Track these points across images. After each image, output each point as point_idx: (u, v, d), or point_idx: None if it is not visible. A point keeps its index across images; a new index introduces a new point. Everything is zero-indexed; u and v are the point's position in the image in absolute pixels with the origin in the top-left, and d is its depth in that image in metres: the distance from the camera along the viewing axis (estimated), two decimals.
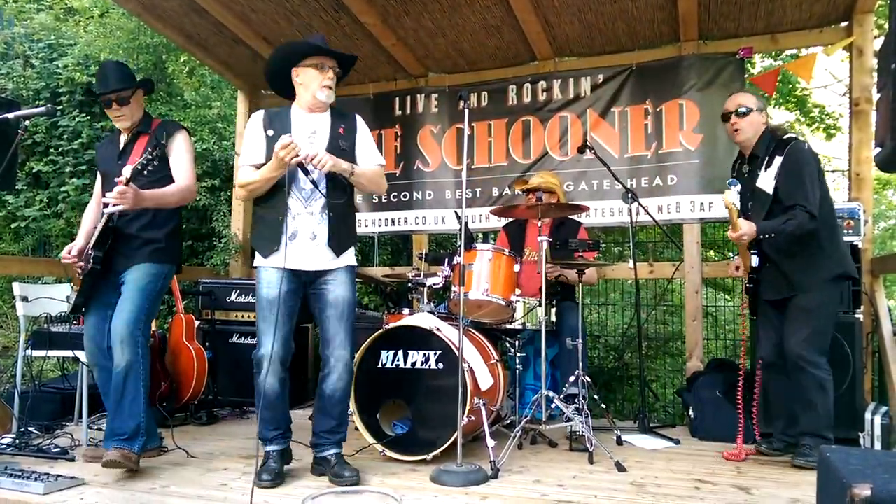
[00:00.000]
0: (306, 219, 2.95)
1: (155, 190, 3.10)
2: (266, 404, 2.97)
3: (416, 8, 4.49)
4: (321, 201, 2.95)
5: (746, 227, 3.12)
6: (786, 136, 3.30)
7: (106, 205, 2.95)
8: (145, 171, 2.91)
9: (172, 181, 3.21)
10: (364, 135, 3.14)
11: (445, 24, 4.69)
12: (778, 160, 3.23)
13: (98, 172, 3.48)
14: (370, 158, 3.12)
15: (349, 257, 3.07)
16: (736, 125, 3.41)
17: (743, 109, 3.38)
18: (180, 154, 3.26)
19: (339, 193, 3.00)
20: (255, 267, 3.04)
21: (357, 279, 3.26)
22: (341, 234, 3.01)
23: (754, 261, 3.34)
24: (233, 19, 4.76)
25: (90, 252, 3.10)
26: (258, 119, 3.05)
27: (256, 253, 3.05)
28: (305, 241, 2.94)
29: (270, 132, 2.98)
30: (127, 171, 2.84)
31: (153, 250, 3.18)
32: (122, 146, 3.32)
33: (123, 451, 2.94)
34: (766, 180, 3.26)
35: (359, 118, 3.18)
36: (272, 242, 2.94)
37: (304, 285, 3.02)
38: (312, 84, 2.99)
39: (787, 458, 3.27)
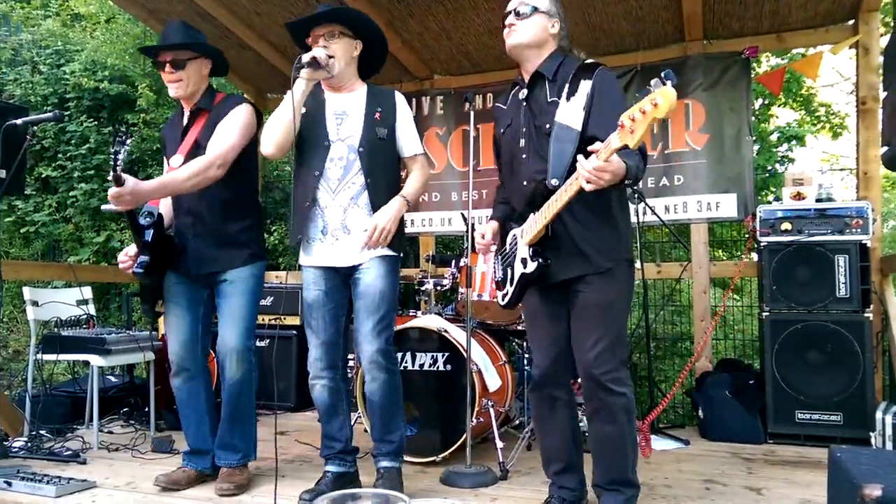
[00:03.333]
0: (335, 212, 2.71)
1: (161, 178, 2.71)
2: (319, 416, 2.83)
3: (421, 11, 4.50)
4: (350, 191, 2.70)
5: (617, 165, 2.01)
6: (589, 60, 2.43)
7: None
8: (117, 166, 2.44)
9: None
10: (404, 117, 2.82)
11: (450, 27, 4.69)
12: (585, 85, 2.29)
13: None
14: (410, 147, 2.82)
15: (387, 249, 2.73)
16: (513, 26, 2.42)
17: (524, 9, 2.41)
18: (226, 125, 2.80)
19: (378, 185, 2.71)
20: (300, 266, 2.86)
21: None
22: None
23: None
24: (238, 24, 4.78)
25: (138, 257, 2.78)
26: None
27: (300, 251, 2.83)
28: (339, 236, 2.72)
29: (304, 109, 2.73)
30: (112, 174, 2.44)
31: (247, 248, 2.89)
32: (185, 124, 2.93)
33: (233, 472, 2.86)
34: (571, 112, 2.29)
35: (400, 97, 2.84)
36: (298, 232, 2.75)
37: (344, 278, 2.78)
38: None
39: (797, 459, 3.25)
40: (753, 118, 5.11)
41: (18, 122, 3.46)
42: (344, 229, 2.72)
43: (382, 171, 2.74)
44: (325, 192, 2.72)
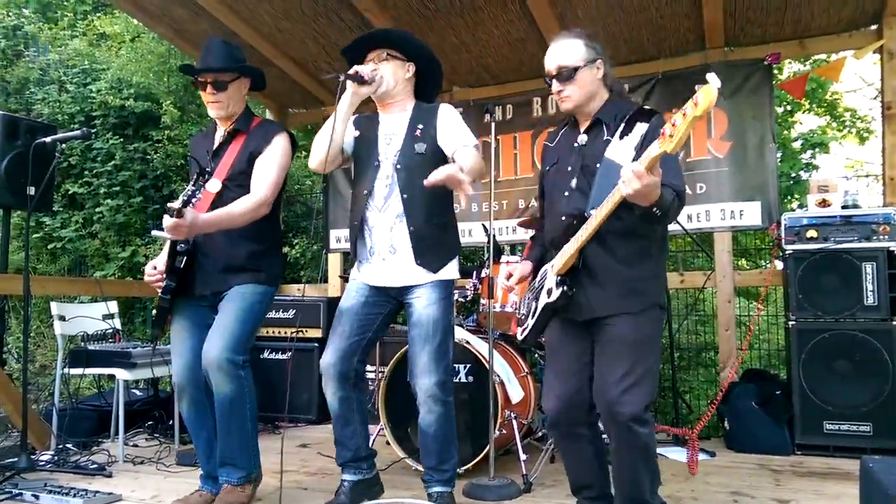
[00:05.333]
0: (382, 232, 2.70)
1: (218, 212, 2.65)
2: (333, 422, 2.78)
3: (440, 24, 4.53)
4: (395, 209, 2.68)
5: (657, 177, 1.97)
6: (646, 106, 2.42)
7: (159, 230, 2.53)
8: (192, 202, 2.50)
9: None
10: (446, 122, 2.73)
11: (469, 40, 4.71)
12: (641, 127, 2.26)
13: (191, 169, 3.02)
14: (456, 141, 2.68)
15: (442, 272, 2.71)
16: (562, 91, 2.38)
17: (565, 72, 2.35)
18: (269, 161, 2.79)
19: (422, 203, 2.66)
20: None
21: None
22: (429, 248, 2.68)
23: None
24: (261, 41, 4.84)
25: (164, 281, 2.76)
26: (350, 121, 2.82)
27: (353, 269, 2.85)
28: (385, 256, 2.70)
29: (357, 133, 2.80)
30: (177, 203, 2.42)
31: (255, 268, 2.82)
32: (217, 143, 2.90)
33: (233, 490, 2.74)
34: (621, 150, 2.25)
35: (444, 107, 2.77)
36: (352, 252, 2.81)
37: (393, 298, 2.77)
38: None
39: (826, 470, 3.19)
40: (777, 125, 5.06)
41: (47, 140, 3.53)
42: (391, 249, 2.69)
43: (419, 186, 2.58)
44: (373, 212, 2.72)
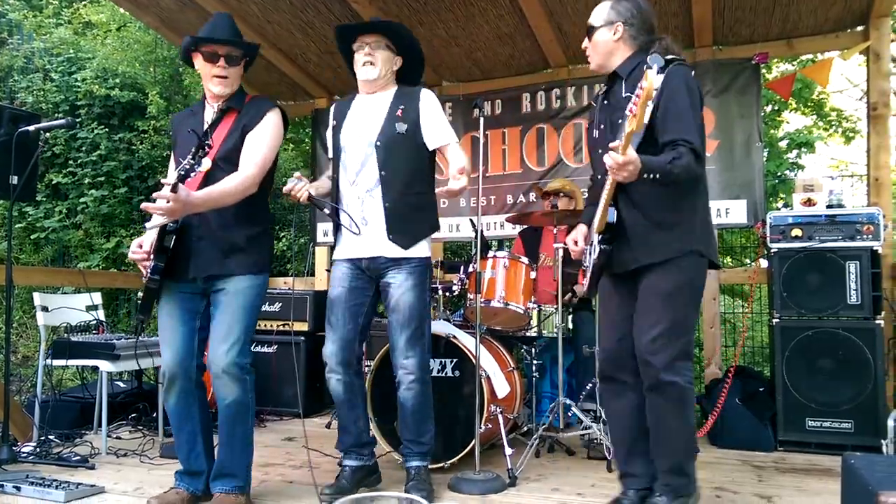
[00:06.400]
0: (353, 204, 2.84)
1: (209, 190, 2.54)
2: (337, 408, 2.94)
3: (430, 18, 4.52)
4: (366, 183, 2.81)
5: (633, 157, 2.10)
6: (669, 56, 2.41)
7: (147, 215, 2.41)
8: (190, 176, 2.41)
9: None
10: (429, 110, 2.85)
11: (459, 34, 4.71)
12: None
13: (173, 149, 2.91)
14: (437, 137, 2.84)
15: (416, 249, 2.82)
16: (586, 49, 2.62)
17: (589, 31, 2.57)
18: (260, 136, 2.69)
19: (398, 179, 2.79)
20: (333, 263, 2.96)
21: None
22: (403, 225, 2.80)
23: (611, 215, 2.40)
24: (249, 32, 4.80)
25: (151, 261, 2.63)
26: (330, 112, 3.02)
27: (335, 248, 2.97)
28: (360, 228, 2.80)
29: (334, 122, 2.94)
30: (171, 179, 2.32)
31: (250, 257, 2.71)
32: (208, 121, 2.76)
33: (227, 498, 2.64)
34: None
35: (425, 93, 2.89)
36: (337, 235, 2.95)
37: (371, 278, 2.87)
38: (356, 66, 2.88)
39: (808, 467, 3.22)
40: (763, 124, 5.09)
41: (31, 128, 3.49)
42: (363, 220, 2.81)
43: (399, 164, 2.80)
44: (345, 185, 2.87)
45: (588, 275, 2.56)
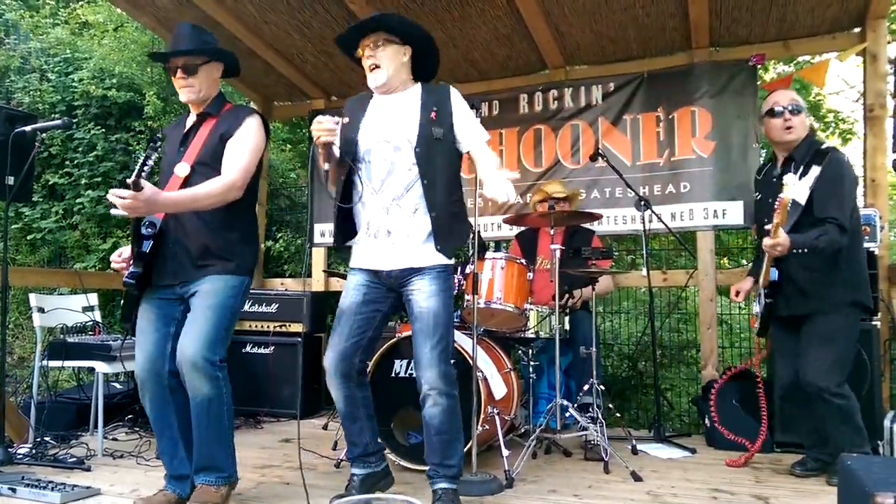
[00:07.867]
0: (377, 212, 2.66)
1: (181, 193, 2.55)
2: (341, 421, 2.80)
3: (428, 19, 4.51)
4: (394, 191, 2.64)
5: (783, 239, 2.83)
6: (824, 146, 3.13)
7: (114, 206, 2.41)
8: (144, 171, 2.33)
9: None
10: (461, 111, 2.72)
11: (457, 35, 4.70)
12: (815, 170, 3.01)
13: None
14: (472, 139, 2.70)
15: (440, 256, 2.64)
16: (790, 122, 3.14)
17: (796, 106, 3.15)
18: (240, 143, 2.68)
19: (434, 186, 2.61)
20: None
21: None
22: (448, 232, 2.66)
23: (773, 274, 3.10)
24: (246, 32, 4.80)
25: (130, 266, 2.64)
26: (344, 107, 2.84)
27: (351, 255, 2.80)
28: (380, 237, 2.66)
29: (346, 119, 2.71)
30: (132, 176, 2.32)
31: (226, 261, 2.68)
32: (186, 129, 2.81)
33: (206, 490, 2.62)
34: (800, 190, 2.98)
35: (453, 92, 2.75)
36: (344, 234, 2.74)
37: (391, 290, 2.72)
38: (366, 73, 2.73)
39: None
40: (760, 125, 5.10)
41: (27, 129, 3.48)
42: (387, 231, 2.65)
43: (440, 172, 2.64)
44: (368, 191, 2.68)
45: (759, 320, 3.29)
